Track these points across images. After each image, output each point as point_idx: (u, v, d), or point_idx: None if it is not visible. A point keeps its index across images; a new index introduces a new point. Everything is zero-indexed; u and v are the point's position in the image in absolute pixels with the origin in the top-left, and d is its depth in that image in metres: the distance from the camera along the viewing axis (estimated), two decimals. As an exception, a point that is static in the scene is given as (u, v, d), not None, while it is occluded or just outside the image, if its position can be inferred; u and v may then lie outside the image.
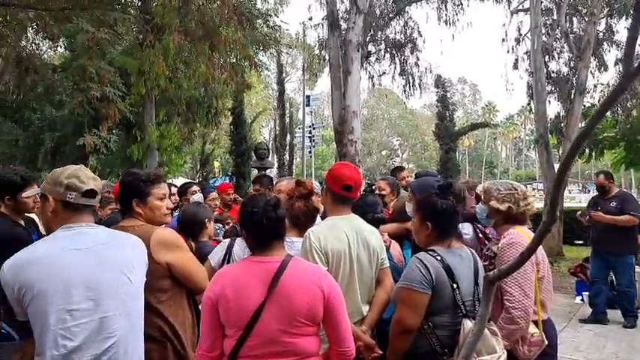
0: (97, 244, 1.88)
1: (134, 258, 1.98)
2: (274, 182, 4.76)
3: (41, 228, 3.42)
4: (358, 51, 9.69)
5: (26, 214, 3.17)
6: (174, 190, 4.83)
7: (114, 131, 9.81)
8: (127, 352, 1.86)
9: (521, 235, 2.55)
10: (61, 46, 11.38)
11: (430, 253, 2.30)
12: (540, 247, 2.46)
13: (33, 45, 10.67)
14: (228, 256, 2.65)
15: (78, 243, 1.85)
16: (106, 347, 1.80)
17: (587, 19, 12.87)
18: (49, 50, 14.03)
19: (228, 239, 2.79)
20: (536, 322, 2.52)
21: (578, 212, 6.89)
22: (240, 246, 2.60)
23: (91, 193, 1.92)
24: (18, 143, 13.82)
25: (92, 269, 1.82)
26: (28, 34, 10.06)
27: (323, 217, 2.87)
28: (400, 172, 5.45)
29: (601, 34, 13.88)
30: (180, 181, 11.40)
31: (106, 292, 1.83)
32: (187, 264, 2.33)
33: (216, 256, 2.71)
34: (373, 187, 4.18)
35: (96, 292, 1.81)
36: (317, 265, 2.18)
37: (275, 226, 1.94)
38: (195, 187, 4.98)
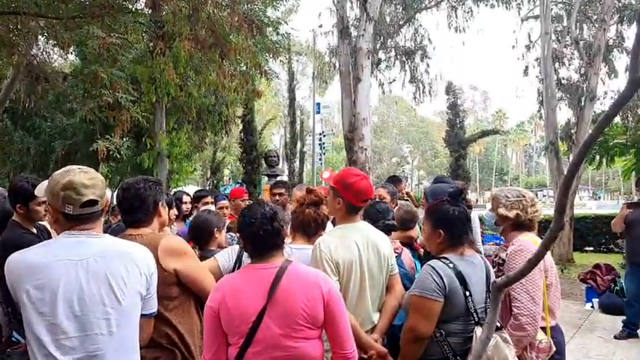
0: (91, 256, 1.78)
1: (128, 271, 1.83)
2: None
3: (53, 235, 3.46)
4: (368, 58, 9.71)
5: (39, 222, 3.18)
6: (186, 198, 4.83)
7: (124, 139, 9.89)
8: None
9: (530, 242, 2.55)
10: (71, 53, 11.52)
11: (442, 260, 2.29)
12: (548, 253, 2.45)
13: (44, 53, 10.80)
14: (239, 264, 2.64)
15: (73, 253, 1.77)
16: None
17: (597, 26, 12.82)
18: (59, 58, 14.21)
19: (238, 246, 2.79)
20: (544, 329, 2.51)
21: (624, 204, 6.33)
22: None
23: (90, 203, 1.81)
24: (29, 151, 13.98)
25: (80, 283, 1.74)
26: (39, 43, 10.18)
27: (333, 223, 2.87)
28: (399, 183, 5.15)
29: (611, 40, 13.80)
30: (190, 188, 11.47)
31: (90, 309, 1.75)
32: (195, 271, 2.32)
33: (223, 259, 2.69)
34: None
35: (80, 309, 1.74)
36: (315, 269, 2.18)
37: (271, 237, 1.95)
38: (208, 199, 4.90)
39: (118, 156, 9.61)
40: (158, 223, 2.38)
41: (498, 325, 2.19)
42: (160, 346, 2.17)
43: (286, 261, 1.97)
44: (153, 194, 2.31)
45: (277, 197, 4.60)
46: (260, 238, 1.94)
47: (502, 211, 2.67)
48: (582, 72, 13.40)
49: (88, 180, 1.81)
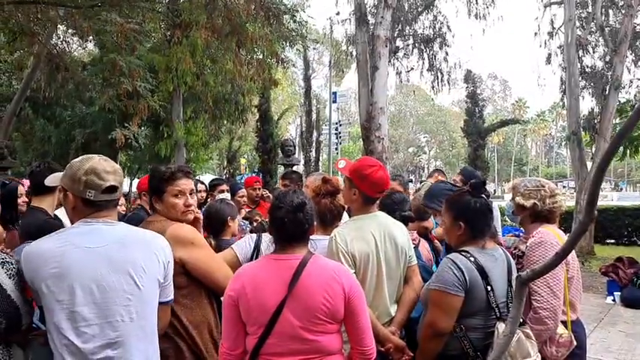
0: (109, 244, 1.78)
1: (147, 259, 1.84)
2: (302, 179, 4.67)
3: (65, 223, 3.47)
4: (386, 46, 9.58)
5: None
6: (201, 187, 4.81)
7: (142, 128, 9.99)
8: (133, 358, 1.78)
9: (550, 234, 2.47)
10: (90, 42, 11.62)
11: (463, 254, 2.21)
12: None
13: (63, 42, 10.90)
14: (256, 253, 2.61)
15: (90, 241, 1.77)
16: (109, 353, 1.73)
17: (624, 12, 12.42)
18: (78, 48, 14.35)
19: (255, 235, 2.76)
20: (565, 323, 2.44)
21: None
22: (266, 242, 2.56)
23: (111, 189, 1.83)
24: (50, 140, 14.21)
25: (99, 271, 1.74)
26: (59, 32, 10.27)
27: (349, 212, 2.82)
28: (443, 176, 4.70)
29: (638, 27, 13.37)
30: (207, 177, 11.54)
31: (111, 296, 1.74)
32: (205, 262, 2.25)
33: (240, 248, 2.64)
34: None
35: (100, 296, 1.73)
36: (338, 263, 2.13)
37: (294, 227, 1.91)
38: (224, 187, 4.83)
39: (136, 144, 9.69)
40: (163, 213, 2.33)
41: (520, 320, 2.13)
42: (165, 336, 2.10)
43: (309, 253, 1.93)
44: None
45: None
46: (283, 225, 1.91)
47: (519, 199, 2.61)
48: (607, 60, 13.05)
49: (110, 167, 1.85)
